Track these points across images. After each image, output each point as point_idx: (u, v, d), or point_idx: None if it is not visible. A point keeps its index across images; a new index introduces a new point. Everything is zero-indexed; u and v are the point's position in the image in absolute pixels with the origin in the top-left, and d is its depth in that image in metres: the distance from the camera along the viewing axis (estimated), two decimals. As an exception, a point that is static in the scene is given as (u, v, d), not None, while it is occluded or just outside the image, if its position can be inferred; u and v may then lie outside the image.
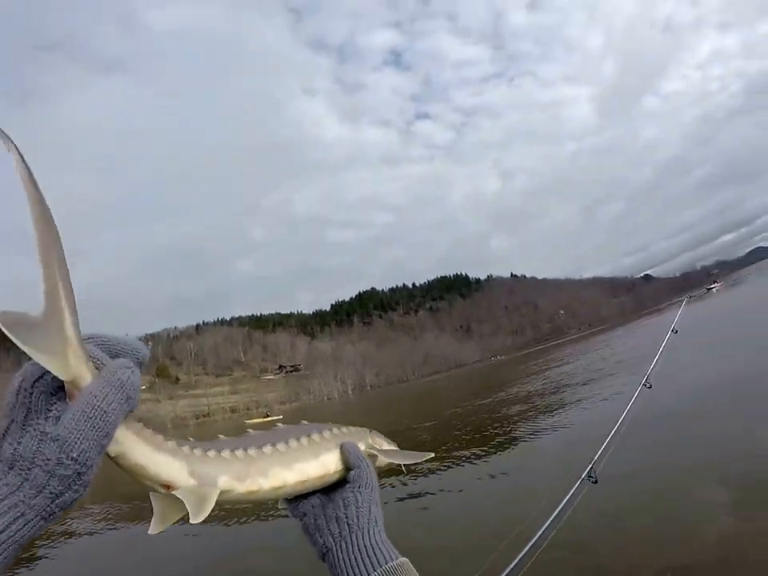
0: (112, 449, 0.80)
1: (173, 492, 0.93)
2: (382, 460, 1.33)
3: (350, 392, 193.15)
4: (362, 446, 1.28)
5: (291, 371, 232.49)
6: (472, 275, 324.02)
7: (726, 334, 25.61)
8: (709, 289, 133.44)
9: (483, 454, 15.44)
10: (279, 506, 1.18)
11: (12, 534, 0.66)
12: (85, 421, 0.70)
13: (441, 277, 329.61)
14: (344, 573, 1.06)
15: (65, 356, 0.72)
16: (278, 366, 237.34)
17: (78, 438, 0.70)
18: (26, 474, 0.68)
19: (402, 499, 12.53)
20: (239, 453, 1.08)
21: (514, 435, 17.22)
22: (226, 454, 1.05)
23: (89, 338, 0.79)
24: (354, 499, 1.17)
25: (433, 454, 1.32)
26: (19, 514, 0.67)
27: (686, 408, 13.42)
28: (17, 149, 0.70)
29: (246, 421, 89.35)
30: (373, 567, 1.03)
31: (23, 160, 0.70)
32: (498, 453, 15.35)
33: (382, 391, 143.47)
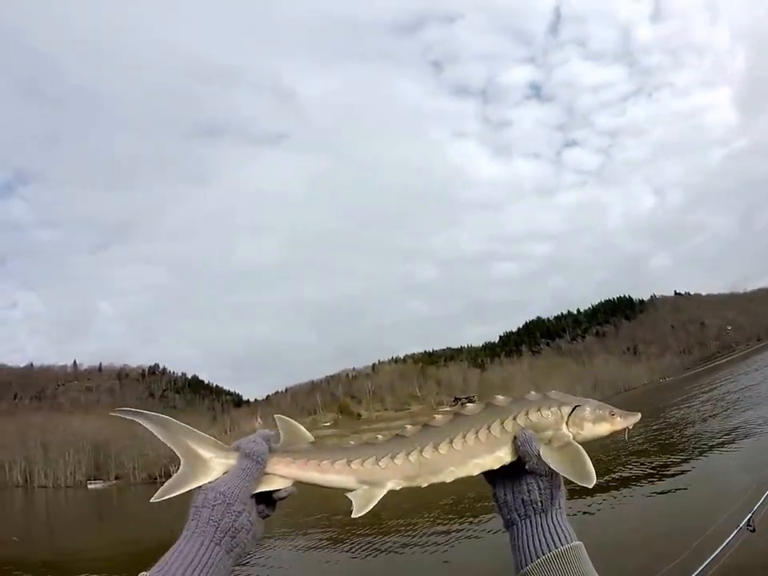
0: (276, 483, 1.33)
1: (347, 494, 1.31)
2: (584, 436, 1.38)
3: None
4: (548, 433, 1.34)
5: (466, 402, 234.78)
6: (635, 296, 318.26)
7: None
8: None
9: (630, 488, 16.00)
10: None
11: (199, 559, 1.11)
12: (231, 478, 1.25)
13: (605, 300, 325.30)
14: (525, 546, 1.21)
15: (208, 470, 1.31)
16: (453, 399, 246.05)
17: (224, 484, 1.23)
18: (198, 515, 1.19)
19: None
20: (413, 456, 1.32)
21: (662, 470, 17.44)
22: (399, 459, 1.32)
23: (227, 446, 1.37)
24: (536, 485, 1.27)
25: (593, 483, 1.22)
26: (199, 544, 1.14)
27: None
28: (138, 415, 1.37)
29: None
30: (548, 547, 1.18)
31: (144, 416, 1.37)
32: (646, 488, 15.64)
33: None
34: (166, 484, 1.29)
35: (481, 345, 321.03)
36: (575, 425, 1.37)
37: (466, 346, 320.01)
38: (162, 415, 1.41)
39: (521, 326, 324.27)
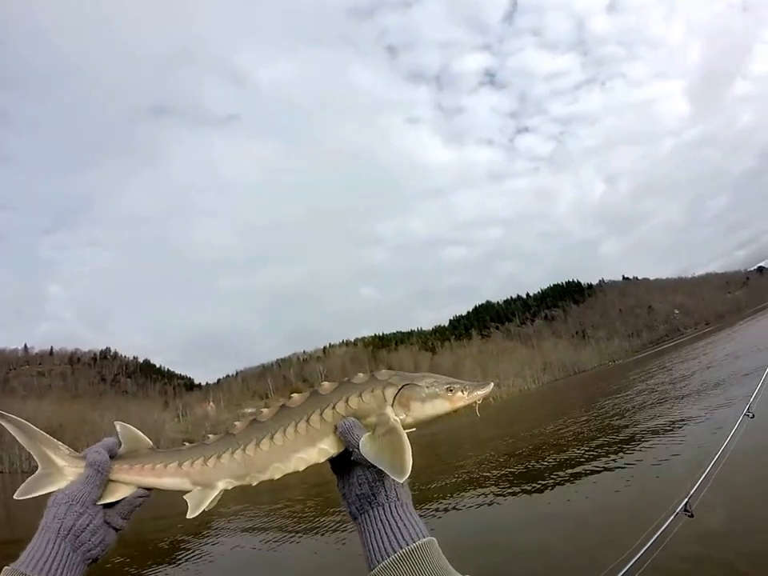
0: (120, 492, 1.40)
1: (184, 496, 1.36)
2: (413, 419, 1.30)
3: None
4: (372, 419, 1.28)
5: None
6: (584, 281, 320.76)
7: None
8: None
9: (569, 475, 15.35)
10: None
11: (49, 552, 1.22)
12: (75, 483, 1.35)
13: (554, 285, 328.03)
14: (369, 544, 1.14)
15: (62, 476, 1.40)
16: None
17: (69, 487, 1.34)
18: (47, 513, 1.29)
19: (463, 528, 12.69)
20: (237, 455, 1.33)
21: (605, 454, 16.90)
22: (225, 458, 1.35)
23: (77, 455, 1.44)
24: (365, 478, 1.21)
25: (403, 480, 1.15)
26: (47, 539, 1.25)
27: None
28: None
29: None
30: (392, 547, 1.09)
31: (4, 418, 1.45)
32: (585, 474, 15.02)
33: (503, 402, 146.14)
34: (26, 483, 1.42)
35: (431, 329, 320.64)
36: (402, 406, 1.29)
37: (416, 330, 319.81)
38: (22, 420, 1.46)
39: (470, 310, 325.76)
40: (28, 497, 1.39)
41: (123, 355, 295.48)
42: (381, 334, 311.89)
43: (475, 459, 23.70)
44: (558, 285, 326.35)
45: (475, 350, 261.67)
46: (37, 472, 1.43)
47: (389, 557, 1.07)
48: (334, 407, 1.27)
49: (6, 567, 1.17)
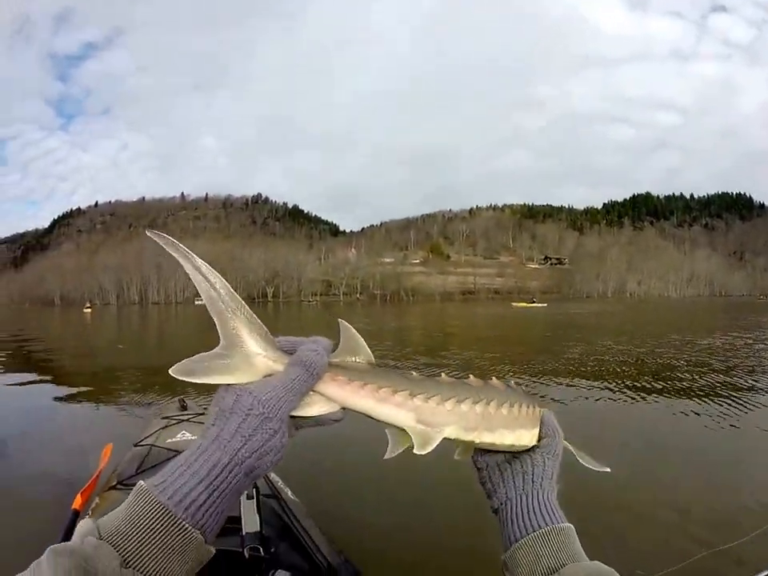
0: (320, 407, 0.99)
1: (403, 428, 1.06)
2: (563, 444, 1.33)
3: (610, 295, 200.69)
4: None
5: (555, 263, 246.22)
6: (756, 197, 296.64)
7: None
8: None
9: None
10: (456, 456, 1.23)
11: (213, 478, 0.81)
12: (276, 386, 0.90)
13: (721, 193, 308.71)
14: (520, 519, 1.13)
15: (250, 368, 0.94)
16: (543, 257, 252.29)
17: (267, 391, 0.89)
18: (224, 422, 0.86)
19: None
20: (479, 407, 1.15)
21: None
22: (466, 405, 1.13)
23: (279, 347, 0.98)
24: (542, 461, 1.23)
25: (608, 470, 1.24)
26: (217, 460, 0.83)
27: None
28: (174, 247, 0.93)
29: (512, 304, 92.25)
30: (545, 522, 1.11)
31: (182, 253, 0.94)
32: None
33: (640, 301, 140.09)
34: (192, 360, 0.94)
35: (582, 208, 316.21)
36: None
37: (566, 206, 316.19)
38: (219, 277, 1.00)
39: (627, 198, 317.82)
40: (190, 380, 0.91)
41: (273, 200, 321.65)
42: (530, 204, 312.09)
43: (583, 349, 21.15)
44: (727, 194, 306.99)
45: (625, 240, 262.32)
46: (214, 350, 0.97)
47: (540, 530, 1.10)
48: (534, 407, 1.26)
49: (140, 483, 0.81)
